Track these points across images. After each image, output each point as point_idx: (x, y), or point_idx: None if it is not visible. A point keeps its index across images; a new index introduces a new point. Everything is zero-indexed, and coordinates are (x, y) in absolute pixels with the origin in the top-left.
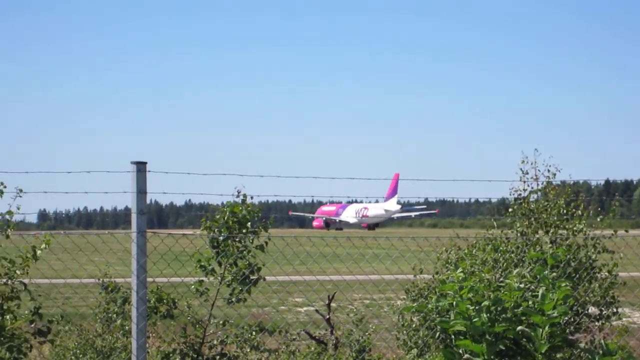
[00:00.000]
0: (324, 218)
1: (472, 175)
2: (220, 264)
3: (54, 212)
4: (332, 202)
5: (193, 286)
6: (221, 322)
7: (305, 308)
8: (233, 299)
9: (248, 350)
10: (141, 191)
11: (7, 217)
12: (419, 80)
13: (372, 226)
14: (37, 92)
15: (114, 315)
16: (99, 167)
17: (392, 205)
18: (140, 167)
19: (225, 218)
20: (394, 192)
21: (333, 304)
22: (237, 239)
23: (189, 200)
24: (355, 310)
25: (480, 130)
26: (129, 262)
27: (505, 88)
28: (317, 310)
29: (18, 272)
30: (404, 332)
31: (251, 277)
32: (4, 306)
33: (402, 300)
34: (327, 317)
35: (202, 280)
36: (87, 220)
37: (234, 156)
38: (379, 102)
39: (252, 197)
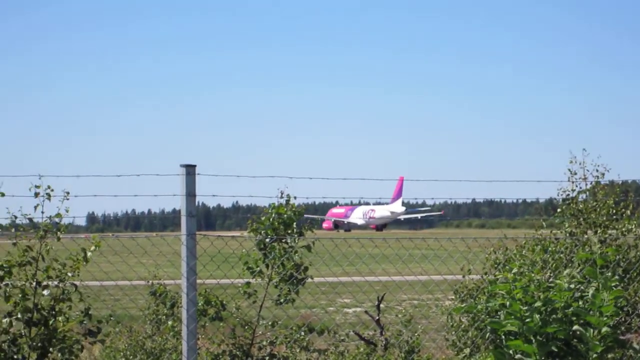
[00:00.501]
0: (332, 220)
1: (503, 175)
2: (267, 266)
3: (102, 215)
4: (340, 205)
5: (242, 288)
6: (270, 323)
7: (353, 309)
8: (282, 300)
9: (298, 350)
10: (190, 194)
11: (56, 219)
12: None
13: (380, 227)
14: (82, 92)
15: (163, 317)
16: (148, 170)
17: (397, 207)
18: (190, 170)
19: (271, 220)
20: (398, 194)
21: (381, 305)
22: (282, 240)
23: (237, 202)
24: (403, 311)
25: (514, 130)
26: (178, 264)
27: (537, 89)
28: (366, 312)
29: (69, 274)
30: (453, 332)
31: (298, 277)
32: (55, 308)
33: (450, 300)
34: (377, 318)
35: (250, 282)
36: (135, 222)
37: (283, 157)
38: (397, 103)
39: (295, 198)
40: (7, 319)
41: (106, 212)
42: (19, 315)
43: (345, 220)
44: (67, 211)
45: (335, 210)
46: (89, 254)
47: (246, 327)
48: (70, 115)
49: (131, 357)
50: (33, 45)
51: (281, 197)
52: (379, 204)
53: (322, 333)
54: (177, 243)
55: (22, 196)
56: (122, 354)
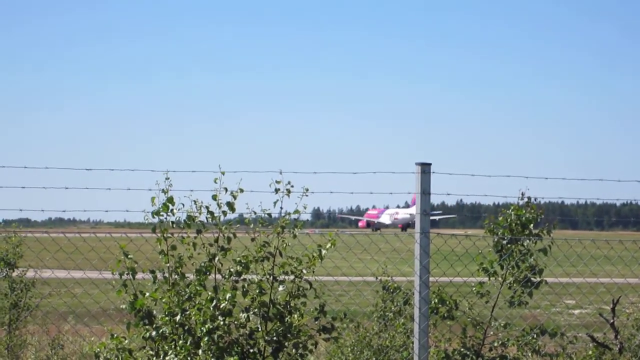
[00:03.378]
0: (366, 220)
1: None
2: (502, 267)
3: (327, 211)
4: (374, 208)
5: (474, 287)
6: (502, 324)
7: (577, 310)
8: (515, 302)
9: (529, 354)
10: (425, 192)
11: (295, 216)
12: None
13: (405, 227)
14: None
15: (391, 314)
16: (381, 168)
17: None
18: (425, 169)
19: (509, 220)
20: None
21: (607, 307)
22: (519, 242)
23: (460, 200)
24: (635, 314)
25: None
26: (412, 262)
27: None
28: (600, 314)
29: (304, 270)
30: None
31: (533, 280)
32: (290, 303)
33: None
34: (612, 321)
35: (483, 282)
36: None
37: (519, 156)
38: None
39: (535, 199)
40: (245, 314)
41: (331, 208)
42: (256, 310)
43: (376, 221)
44: (305, 208)
45: (370, 212)
46: (323, 251)
47: (477, 327)
48: (313, 114)
49: (358, 353)
50: None
51: (521, 199)
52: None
53: (554, 335)
54: (410, 241)
55: (262, 192)
56: (349, 349)
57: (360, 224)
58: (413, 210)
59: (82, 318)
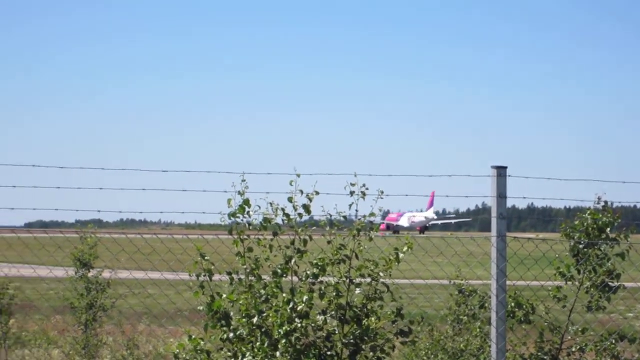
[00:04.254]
0: (386, 222)
1: None
2: (579, 271)
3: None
4: (395, 212)
5: (551, 291)
6: (580, 328)
7: None
8: (592, 306)
9: (608, 359)
10: (501, 195)
11: (370, 218)
12: None
13: (422, 230)
14: None
15: (464, 317)
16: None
17: (430, 214)
18: (501, 172)
19: (585, 224)
20: (431, 204)
21: None
22: (596, 246)
23: (531, 203)
24: None
25: None
26: (487, 265)
27: None
28: None
29: (381, 273)
30: None
31: (610, 284)
32: (367, 306)
33: None
34: None
35: (560, 287)
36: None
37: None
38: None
39: (612, 204)
40: (322, 316)
41: (400, 210)
42: (333, 313)
43: (395, 223)
44: (380, 210)
45: (390, 216)
46: (400, 254)
47: (554, 332)
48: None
49: (432, 356)
50: None
51: (597, 202)
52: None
53: (634, 341)
54: (486, 244)
55: (337, 194)
56: (423, 352)
57: (381, 226)
58: (427, 213)
59: (157, 319)
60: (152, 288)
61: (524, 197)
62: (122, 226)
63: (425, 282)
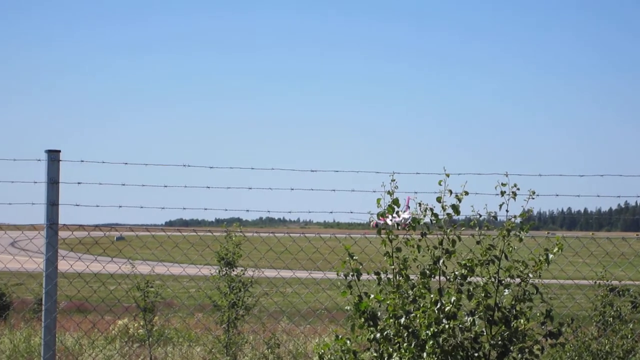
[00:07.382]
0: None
1: None
2: None
3: (537, 213)
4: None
5: None
6: None
7: None
8: None
9: None
10: None
11: (520, 219)
12: None
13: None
14: None
15: (610, 318)
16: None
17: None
18: None
19: None
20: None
21: None
22: None
23: None
24: None
25: None
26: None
27: None
28: None
29: (530, 274)
30: None
31: None
32: (516, 307)
33: None
34: None
35: None
36: (570, 221)
37: None
38: None
39: None
40: (470, 318)
41: (541, 209)
42: (481, 314)
43: (382, 222)
44: (531, 211)
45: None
46: (550, 255)
47: None
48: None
49: (576, 358)
50: None
51: None
52: None
53: None
54: (637, 243)
55: (487, 194)
56: (567, 354)
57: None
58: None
59: (292, 318)
60: (285, 287)
61: None
62: (260, 225)
63: (574, 282)
